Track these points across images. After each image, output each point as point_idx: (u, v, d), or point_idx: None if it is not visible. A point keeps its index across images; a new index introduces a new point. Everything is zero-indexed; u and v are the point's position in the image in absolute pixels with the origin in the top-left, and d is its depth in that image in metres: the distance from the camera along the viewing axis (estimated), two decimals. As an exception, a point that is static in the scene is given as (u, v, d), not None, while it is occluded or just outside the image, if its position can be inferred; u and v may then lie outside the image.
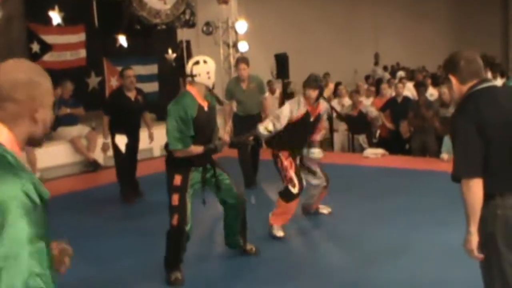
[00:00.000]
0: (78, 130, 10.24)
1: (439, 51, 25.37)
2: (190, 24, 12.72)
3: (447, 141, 9.66)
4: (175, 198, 5.01)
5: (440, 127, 10.10)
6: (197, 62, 5.11)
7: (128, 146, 7.90)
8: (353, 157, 10.81)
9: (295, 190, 6.16)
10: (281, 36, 17.02)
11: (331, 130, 12.48)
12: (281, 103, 13.26)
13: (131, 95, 7.86)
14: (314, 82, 6.25)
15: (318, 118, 6.45)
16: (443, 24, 27.63)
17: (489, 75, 16.45)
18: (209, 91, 5.18)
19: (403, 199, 7.42)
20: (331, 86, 14.56)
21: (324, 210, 7.07)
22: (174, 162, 5.10)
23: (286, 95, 13.27)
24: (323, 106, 6.56)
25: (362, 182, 8.66)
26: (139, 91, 8.05)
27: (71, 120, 10.18)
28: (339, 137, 12.14)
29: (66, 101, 10.16)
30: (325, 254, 5.83)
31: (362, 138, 11.66)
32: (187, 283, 5.09)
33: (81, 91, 11.00)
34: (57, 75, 10.41)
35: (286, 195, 6.20)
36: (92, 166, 10.11)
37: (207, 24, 13.27)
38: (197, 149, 5.04)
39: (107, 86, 11.69)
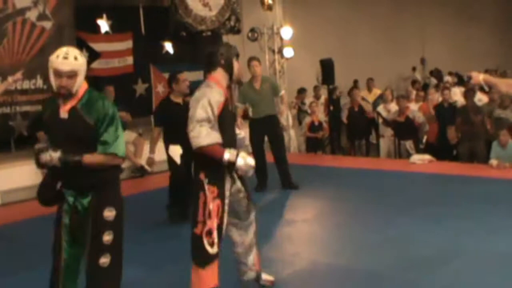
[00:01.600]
0: (125, 136, 10.33)
1: (486, 55, 25.01)
2: (235, 31, 12.79)
3: (496, 146, 9.51)
4: None
5: (492, 130, 9.94)
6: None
7: (183, 157, 7.08)
8: (400, 163, 10.71)
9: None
10: (326, 41, 16.97)
11: (377, 135, 12.40)
12: (327, 109, 13.25)
13: (180, 100, 7.32)
14: None
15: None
16: (491, 28, 27.14)
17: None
18: None
19: (451, 205, 7.31)
20: (376, 91, 14.44)
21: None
22: None
23: (332, 101, 13.23)
24: None
25: (409, 188, 8.57)
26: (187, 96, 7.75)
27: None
28: (386, 143, 12.04)
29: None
30: (374, 258, 5.77)
31: (408, 144, 11.54)
32: None
33: (128, 97, 11.18)
34: (105, 81, 10.64)
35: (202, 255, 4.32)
36: (139, 171, 10.23)
37: (252, 30, 13.31)
38: None
39: (154, 93, 11.84)
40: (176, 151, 7.13)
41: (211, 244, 4.22)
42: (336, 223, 7.05)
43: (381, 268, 5.48)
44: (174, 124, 6.83)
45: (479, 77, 4.11)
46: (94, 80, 10.77)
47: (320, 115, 13.16)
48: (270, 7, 13.15)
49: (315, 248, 5.99)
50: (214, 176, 4.25)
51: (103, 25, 11.09)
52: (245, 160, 4.19)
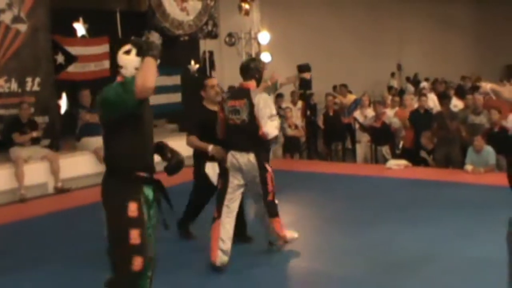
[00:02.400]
0: (101, 141, 10.27)
1: (462, 61, 25.28)
2: (213, 35, 12.80)
3: (470, 152, 9.60)
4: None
5: (467, 136, 10.03)
6: (128, 51, 4.14)
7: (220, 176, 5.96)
8: (376, 168, 10.76)
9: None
10: (304, 47, 17.01)
11: (354, 141, 12.45)
12: (304, 114, 13.29)
13: (215, 108, 6.24)
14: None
15: None
16: (467, 34, 27.46)
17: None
18: None
19: (427, 210, 7.37)
20: (351, 97, 14.51)
21: None
22: None
23: (309, 106, 13.26)
24: None
25: (385, 193, 8.61)
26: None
27: (95, 130, 10.21)
28: (362, 148, 12.10)
29: (88, 108, 10.22)
30: (350, 263, 5.79)
31: (385, 149, 11.62)
32: None
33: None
34: (81, 85, 10.56)
35: (276, 210, 5.77)
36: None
37: (230, 35, 13.33)
38: None
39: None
40: (214, 169, 6.18)
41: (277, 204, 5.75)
42: (313, 228, 7.06)
43: (357, 272, 5.50)
44: (209, 134, 6.06)
45: (487, 86, 4.43)
46: (71, 84, 10.71)
47: (297, 120, 13.21)
48: (247, 12, 13.18)
49: (292, 253, 5.99)
50: (268, 160, 5.74)
51: (80, 28, 11.01)
52: None
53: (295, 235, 6.10)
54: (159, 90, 12.11)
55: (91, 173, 9.95)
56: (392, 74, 22.90)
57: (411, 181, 9.35)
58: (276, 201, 5.74)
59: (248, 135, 5.54)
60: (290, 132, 12.38)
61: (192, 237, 6.61)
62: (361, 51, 20.94)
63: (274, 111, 5.61)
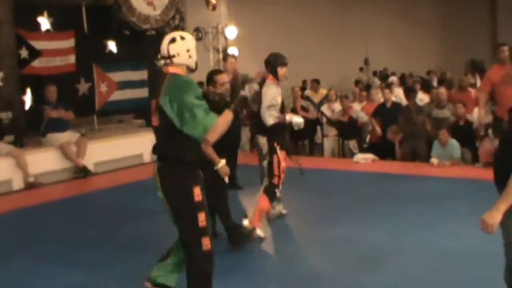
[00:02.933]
0: (67, 136, 10.17)
1: (427, 56, 25.54)
2: (180, 30, 12.71)
3: (436, 146, 9.71)
4: None
5: (432, 130, 10.13)
6: (173, 40, 4.17)
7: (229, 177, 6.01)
8: (343, 162, 10.82)
9: (278, 193, 6.48)
10: (271, 42, 16.93)
11: (322, 135, 12.50)
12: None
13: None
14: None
15: None
16: (432, 29, 27.76)
17: (478, 79, 16.55)
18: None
19: (393, 203, 7.43)
20: (322, 91, 14.55)
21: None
22: None
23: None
24: None
25: (352, 187, 8.67)
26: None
27: (60, 126, 10.13)
28: (329, 143, 12.16)
29: (54, 104, 10.09)
30: (317, 256, 5.82)
31: (352, 144, 11.69)
32: None
33: (71, 97, 10.96)
34: (46, 80, 10.41)
35: (272, 193, 6.34)
36: (82, 172, 10.05)
37: (197, 29, 13.27)
38: None
39: (97, 92, 11.65)
40: (224, 166, 5.77)
41: (278, 191, 6.39)
42: (280, 222, 7.07)
43: (323, 266, 5.54)
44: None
45: None
46: (36, 79, 10.55)
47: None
48: (214, 7, 13.13)
49: (256, 247, 6.00)
50: (283, 146, 6.39)
51: (44, 22, 10.82)
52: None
53: (262, 235, 6.26)
54: (125, 85, 12.05)
55: (57, 169, 9.85)
56: (361, 69, 23.05)
57: (378, 174, 9.42)
58: (278, 189, 6.36)
59: (261, 121, 6.37)
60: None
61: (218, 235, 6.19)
62: (328, 46, 21.02)
63: (274, 102, 6.30)
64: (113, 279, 5.41)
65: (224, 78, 6.41)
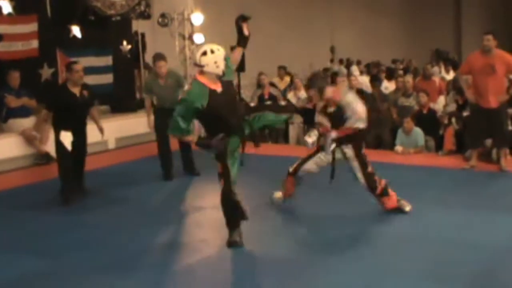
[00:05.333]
0: (29, 122, 10.00)
1: (393, 45, 25.74)
2: (146, 16, 12.59)
3: (400, 134, 9.79)
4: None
5: (397, 118, 10.21)
6: (204, 53, 5.40)
7: (73, 143, 7.54)
8: (308, 150, 10.82)
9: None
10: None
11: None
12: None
13: (76, 90, 7.55)
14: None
15: None
16: (397, 19, 27.96)
17: (442, 68, 16.74)
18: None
19: (356, 190, 7.45)
20: (287, 79, 14.57)
21: None
22: None
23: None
24: None
25: (316, 175, 8.68)
26: (85, 86, 7.76)
27: (23, 112, 9.95)
28: (294, 130, 12.17)
29: (16, 90, 9.92)
30: (281, 242, 5.84)
31: (317, 131, 11.70)
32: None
33: (33, 82, 10.77)
34: (7, 65, 10.21)
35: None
36: (44, 159, 9.89)
37: (163, 15, 13.12)
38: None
39: (60, 78, 11.44)
40: (68, 138, 7.47)
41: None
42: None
43: (287, 251, 5.58)
44: (67, 112, 7.45)
45: None
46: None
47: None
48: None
49: (223, 234, 5.97)
50: None
51: (5, 6, 10.57)
52: None
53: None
54: (90, 71, 11.83)
55: (19, 156, 9.69)
56: (331, 61, 23.14)
57: (342, 162, 9.44)
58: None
59: None
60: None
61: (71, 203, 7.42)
62: (295, 33, 21.05)
63: None
64: (75, 266, 5.36)
65: (79, 67, 7.57)
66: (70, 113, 7.50)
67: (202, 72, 5.44)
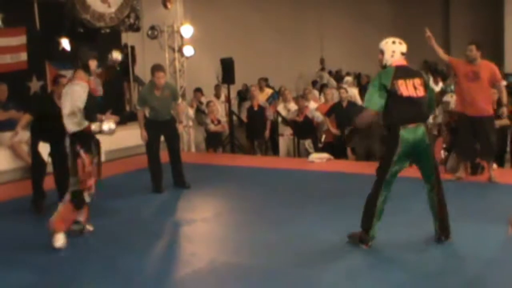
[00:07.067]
0: (18, 135, 9.94)
1: (382, 56, 25.78)
2: (135, 28, 12.58)
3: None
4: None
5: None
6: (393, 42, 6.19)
7: (51, 155, 7.63)
8: (299, 162, 10.86)
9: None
10: (227, 41, 17.00)
11: (277, 134, 12.52)
12: (228, 108, 13.26)
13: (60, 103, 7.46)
14: None
15: None
16: (386, 29, 28.02)
17: (431, 79, 16.80)
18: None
19: (347, 202, 7.46)
20: (268, 90, 14.58)
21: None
22: None
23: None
24: None
25: (307, 186, 8.70)
26: None
27: (11, 125, 9.89)
28: (285, 142, 12.19)
29: (3, 103, 9.87)
30: (272, 255, 5.81)
31: (307, 143, 11.74)
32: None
33: (22, 95, 10.72)
34: (-4, 79, 10.17)
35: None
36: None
37: (152, 28, 13.13)
38: None
39: (49, 91, 11.44)
40: (45, 149, 7.64)
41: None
42: (235, 222, 7.06)
43: (277, 265, 5.53)
44: (46, 122, 7.33)
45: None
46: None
47: (222, 114, 13.21)
48: (166, 5, 13.01)
49: (213, 247, 5.97)
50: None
51: (-7, 19, 10.58)
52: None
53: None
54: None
55: (7, 169, 9.63)
56: (322, 69, 23.18)
57: (333, 174, 9.48)
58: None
59: None
60: (212, 128, 12.33)
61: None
62: (284, 46, 21.10)
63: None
64: (61, 280, 5.32)
65: (64, 81, 7.18)
66: (49, 123, 7.27)
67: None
